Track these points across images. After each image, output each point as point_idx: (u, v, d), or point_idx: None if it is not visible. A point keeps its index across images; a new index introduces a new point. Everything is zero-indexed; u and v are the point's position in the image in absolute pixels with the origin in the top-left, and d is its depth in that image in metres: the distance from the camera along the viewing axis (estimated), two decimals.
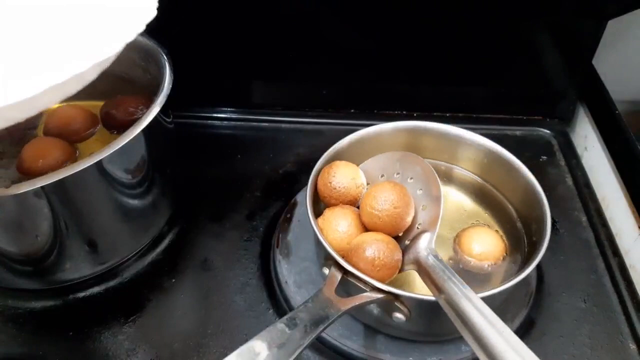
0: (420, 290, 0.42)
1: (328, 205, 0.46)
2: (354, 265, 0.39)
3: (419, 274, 0.39)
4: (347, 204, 0.45)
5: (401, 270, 0.41)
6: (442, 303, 0.35)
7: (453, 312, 0.34)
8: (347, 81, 0.66)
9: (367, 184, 0.48)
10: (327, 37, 0.61)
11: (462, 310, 0.33)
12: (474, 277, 0.44)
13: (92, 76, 0.36)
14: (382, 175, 0.48)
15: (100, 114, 0.52)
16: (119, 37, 0.36)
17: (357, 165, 0.48)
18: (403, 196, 0.43)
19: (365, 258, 0.39)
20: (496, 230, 0.48)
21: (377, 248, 0.40)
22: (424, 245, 0.41)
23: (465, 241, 0.46)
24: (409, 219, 0.43)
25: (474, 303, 0.33)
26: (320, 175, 0.46)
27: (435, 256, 0.39)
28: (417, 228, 0.43)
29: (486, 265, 0.45)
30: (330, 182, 0.45)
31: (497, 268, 0.45)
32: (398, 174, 0.47)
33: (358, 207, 0.45)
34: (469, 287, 0.35)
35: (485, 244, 0.45)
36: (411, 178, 0.46)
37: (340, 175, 0.45)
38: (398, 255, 0.40)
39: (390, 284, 0.38)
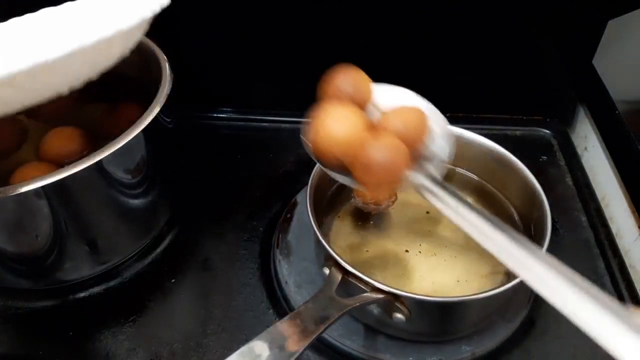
0: (420, 290, 0.42)
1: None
2: (355, 163, 0.37)
3: (425, 195, 0.38)
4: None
5: (402, 187, 0.39)
6: (452, 216, 0.35)
7: (466, 223, 0.34)
8: None
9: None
10: (327, 37, 0.61)
11: (474, 223, 0.34)
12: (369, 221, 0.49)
13: (106, 60, 0.38)
14: None
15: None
16: (136, 14, 0.38)
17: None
18: (424, 120, 0.40)
19: (375, 159, 0.35)
20: None
21: (391, 153, 0.36)
22: (431, 171, 0.39)
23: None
24: (424, 145, 0.40)
25: (488, 217, 0.33)
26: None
27: (442, 182, 0.38)
28: (426, 156, 0.41)
29: (380, 207, 0.48)
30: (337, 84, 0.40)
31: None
32: None
33: None
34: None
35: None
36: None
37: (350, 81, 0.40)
38: (407, 168, 0.37)
39: (389, 281, 0.38)
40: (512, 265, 0.31)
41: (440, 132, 0.42)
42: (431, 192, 0.37)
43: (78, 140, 0.47)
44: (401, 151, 0.37)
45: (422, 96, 0.63)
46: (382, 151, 0.36)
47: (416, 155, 0.40)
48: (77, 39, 0.34)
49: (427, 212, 0.50)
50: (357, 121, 0.38)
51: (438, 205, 0.37)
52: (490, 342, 0.43)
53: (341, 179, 0.40)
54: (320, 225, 0.43)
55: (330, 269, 0.40)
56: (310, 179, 0.46)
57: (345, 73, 0.40)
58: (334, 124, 0.38)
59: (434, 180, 0.38)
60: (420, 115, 0.40)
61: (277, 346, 0.33)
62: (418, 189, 0.38)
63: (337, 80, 0.40)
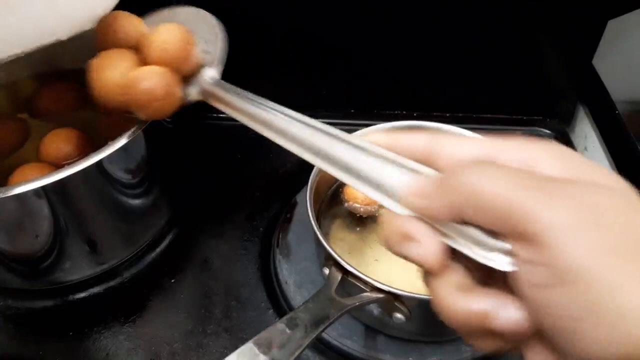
0: (420, 290, 0.42)
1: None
2: (130, 100, 0.39)
3: (211, 102, 0.40)
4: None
5: (184, 102, 0.41)
6: (245, 121, 0.36)
7: (258, 123, 0.36)
8: (347, 81, 0.66)
9: None
10: (327, 37, 0.61)
11: (265, 119, 0.36)
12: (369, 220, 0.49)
13: (74, 9, 0.38)
14: None
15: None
16: None
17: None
18: (184, 34, 0.41)
19: (143, 91, 0.38)
20: None
21: (153, 80, 0.38)
22: (210, 75, 0.41)
23: (349, 190, 0.48)
24: (194, 56, 0.42)
25: (273, 107, 0.35)
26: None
27: (223, 84, 0.39)
28: (200, 65, 0.42)
29: (372, 209, 0.48)
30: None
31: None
32: None
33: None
34: None
35: None
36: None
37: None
38: (176, 86, 0.40)
39: (389, 281, 0.38)
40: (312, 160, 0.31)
41: (210, 37, 0.43)
42: (215, 96, 0.39)
43: (78, 141, 0.47)
44: (160, 73, 0.39)
45: (421, 96, 0.63)
46: (143, 82, 0.38)
47: (189, 68, 0.42)
48: None
49: None
50: (123, 65, 0.40)
51: (227, 110, 0.38)
52: None
53: (136, 116, 0.41)
54: (320, 225, 0.43)
55: (330, 269, 0.40)
56: (310, 179, 0.46)
57: (110, 21, 0.42)
58: (103, 75, 0.40)
59: (213, 84, 0.40)
60: (178, 30, 0.41)
61: (277, 346, 0.33)
62: (203, 97, 0.40)
63: (104, 30, 0.42)
